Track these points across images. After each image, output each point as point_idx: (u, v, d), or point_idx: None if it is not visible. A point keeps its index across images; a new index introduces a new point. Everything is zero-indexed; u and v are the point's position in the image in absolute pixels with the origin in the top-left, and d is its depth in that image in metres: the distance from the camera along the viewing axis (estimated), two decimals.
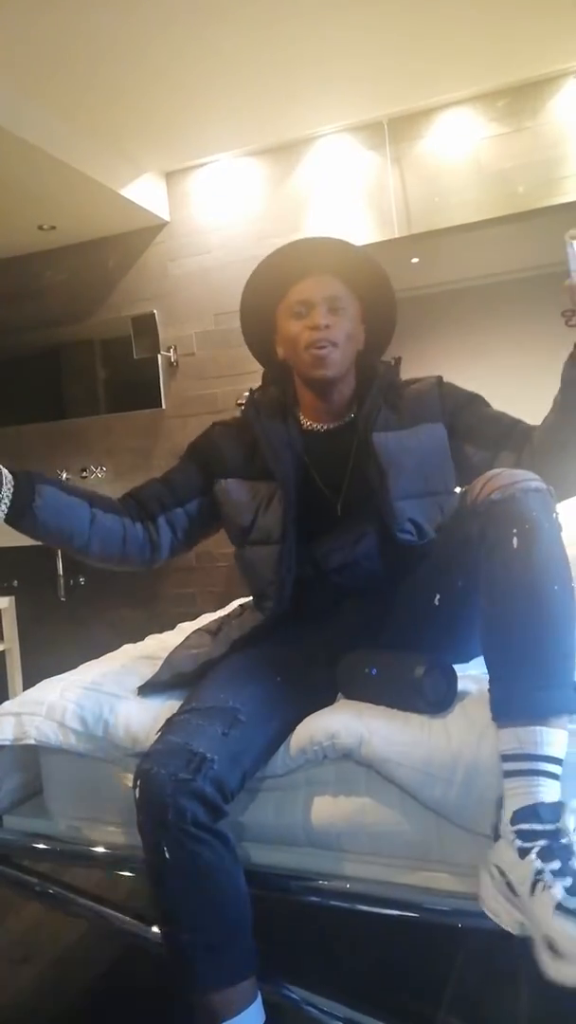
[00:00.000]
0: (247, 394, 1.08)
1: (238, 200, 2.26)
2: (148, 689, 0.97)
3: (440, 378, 1.04)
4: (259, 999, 0.73)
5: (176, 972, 0.73)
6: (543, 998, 0.63)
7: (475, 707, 0.83)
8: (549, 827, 0.66)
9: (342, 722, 0.83)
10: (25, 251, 2.53)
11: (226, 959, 0.72)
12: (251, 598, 1.06)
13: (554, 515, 0.76)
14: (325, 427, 1.02)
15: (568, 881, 0.63)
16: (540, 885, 0.64)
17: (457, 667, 0.88)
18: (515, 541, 0.73)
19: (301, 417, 1.03)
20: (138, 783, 0.74)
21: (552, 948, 0.62)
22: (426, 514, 0.93)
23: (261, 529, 0.97)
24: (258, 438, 0.99)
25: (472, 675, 0.92)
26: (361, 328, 1.01)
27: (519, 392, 1.07)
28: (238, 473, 1.01)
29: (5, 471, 0.86)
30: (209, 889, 0.72)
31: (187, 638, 1.07)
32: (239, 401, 1.11)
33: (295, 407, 1.03)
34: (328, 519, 0.97)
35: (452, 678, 0.86)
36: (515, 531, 0.73)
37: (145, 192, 2.27)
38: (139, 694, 0.97)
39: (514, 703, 0.72)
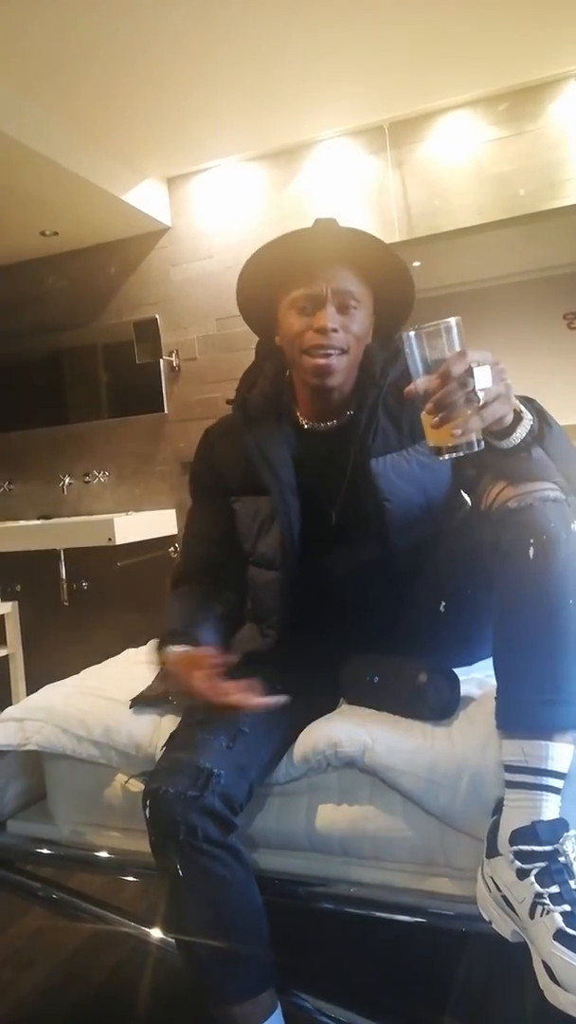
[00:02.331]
0: (240, 378, 0.98)
1: (239, 205, 2.26)
2: (140, 701, 0.95)
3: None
4: (279, 1010, 0.72)
5: (195, 986, 0.73)
6: (546, 1004, 0.63)
7: (479, 713, 0.82)
8: (547, 848, 0.66)
9: (345, 730, 0.83)
10: (27, 257, 2.54)
11: (244, 972, 0.71)
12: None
13: (572, 526, 0.73)
14: (322, 425, 0.93)
15: (566, 907, 0.63)
16: (540, 909, 0.64)
17: (460, 670, 0.88)
18: (531, 552, 0.71)
19: (296, 413, 0.94)
20: (147, 803, 0.73)
21: (551, 975, 0.62)
22: (426, 538, 0.89)
23: (261, 554, 0.92)
24: (250, 451, 0.91)
25: (476, 678, 0.91)
26: (371, 321, 0.91)
27: (522, 392, 1.06)
28: (240, 490, 0.94)
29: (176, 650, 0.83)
30: (223, 904, 0.71)
31: None
32: (228, 400, 1.00)
33: (291, 402, 0.95)
34: (324, 527, 0.92)
35: (455, 684, 0.85)
36: (531, 542, 0.71)
37: (147, 197, 2.27)
38: (131, 707, 0.95)
39: (521, 715, 0.71)
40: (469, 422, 0.67)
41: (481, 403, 0.67)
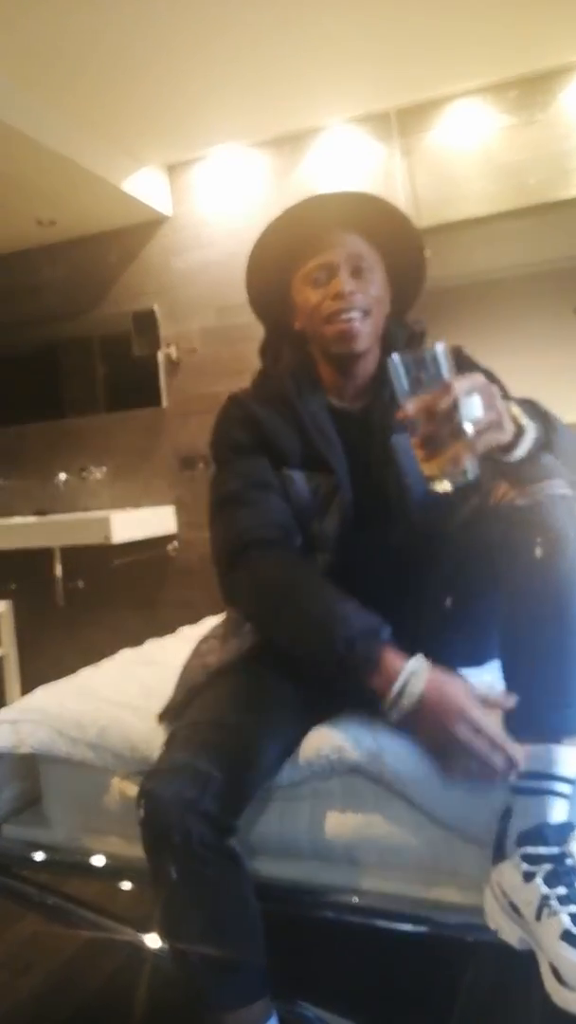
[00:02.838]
0: (260, 354, 0.96)
1: (242, 193, 2.23)
2: (169, 715, 0.89)
3: (459, 350, 0.90)
4: (275, 1018, 0.71)
5: (189, 993, 0.71)
6: (552, 1015, 0.62)
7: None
8: (554, 850, 0.65)
9: (349, 734, 0.81)
10: (24, 246, 2.50)
11: (238, 979, 0.70)
12: None
13: None
14: (348, 407, 0.91)
15: (574, 908, 0.62)
16: (546, 911, 0.63)
17: (469, 671, 0.85)
18: (538, 550, 0.70)
19: (324, 394, 0.92)
20: (142, 804, 0.71)
21: (558, 976, 0.61)
22: (444, 516, 0.87)
23: (317, 532, 0.86)
24: (304, 422, 0.87)
25: (485, 681, 0.89)
26: (388, 290, 0.89)
27: (530, 387, 1.03)
28: (298, 462, 0.87)
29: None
30: (218, 909, 0.70)
31: (196, 648, 1.03)
32: (262, 370, 0.97)
33: (317, 383, 0.92)
34: (357, 511, 0.89)
35: None
36: (539, 539, 0.70)
37: (146, 185, 2.23)
38: (160, 722, 0.89)
39: (529, 719, 0.70)
40: (460, 455, 0.65)
41: (471, 434, 0.65)
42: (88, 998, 1.07)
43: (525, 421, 0.72)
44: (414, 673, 0.71)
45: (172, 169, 2.32)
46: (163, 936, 0.77)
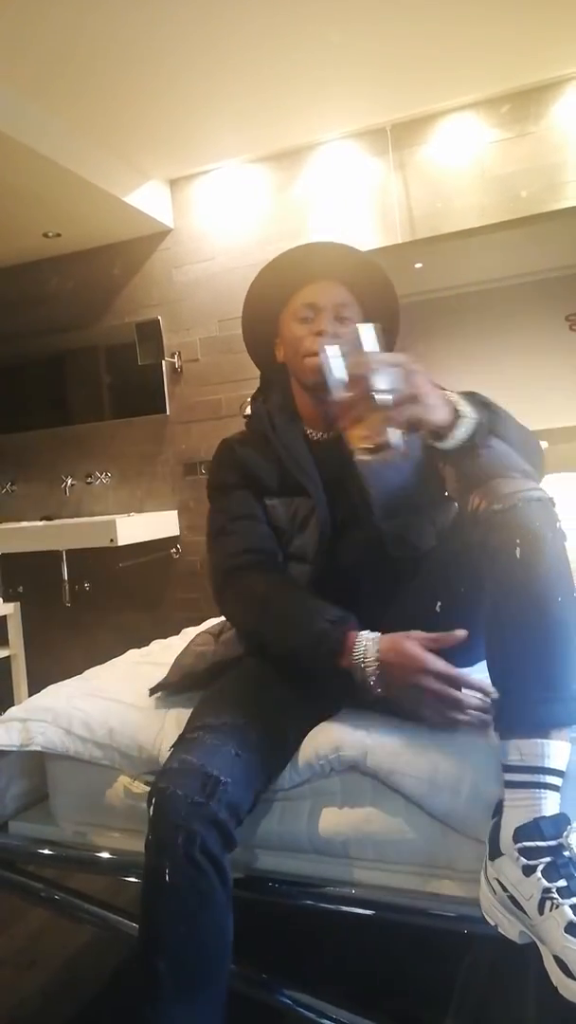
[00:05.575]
0: (250, 401, 1.07)
1: (242, 207, 2.27)
2: (160, 690, 0.97)
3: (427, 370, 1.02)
4: None
5: (142, 1000, 0.67)
6: (550, 1005, 0.63)
7: None
8: (552, 843, 0.66)
9: (347, 734, 0.83)
10: (30, 258, 2.55)
11: (198, 999, 0.68)
12: None
13: (557, 524, 0.74)
14: (325, 436, 1.01)
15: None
16: (549, 904, 0.64)
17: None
18: (518, 552, 0.72)
19: (303, 426, 1.02)
20: (153, 801, 0.72)
21: (564, 968, 0.62)
22: (416, 529, 0.93)
23: (297, 547, 0.96)
24: (281, 456, 0.97)
25: (476, 679, 0.91)
26: None
27: (522, 396, 1.07)
28: (275, 492, 0.98)
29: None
30: (199, 922, 0.69)
31: (192, 639, 1.07)
32: (243, 405, 1.08)
33: (296, 416, 1.03)
34: (334, 526, 0.95)
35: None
36: (518, 541, 0.72)
37: (149, 199, 2.28)
38: (150, 695, 0.97)
39: (517, 715, 0.71)
40: (377, 425, 0.69)
41: (390, 405, 0.69)
42: (94, 993, 1.08)
43: (463, 409, 0.77)
44: (369, 640, 0.79)
45: (174, 183, 2.37)
46: (138, 937, 0.73)
